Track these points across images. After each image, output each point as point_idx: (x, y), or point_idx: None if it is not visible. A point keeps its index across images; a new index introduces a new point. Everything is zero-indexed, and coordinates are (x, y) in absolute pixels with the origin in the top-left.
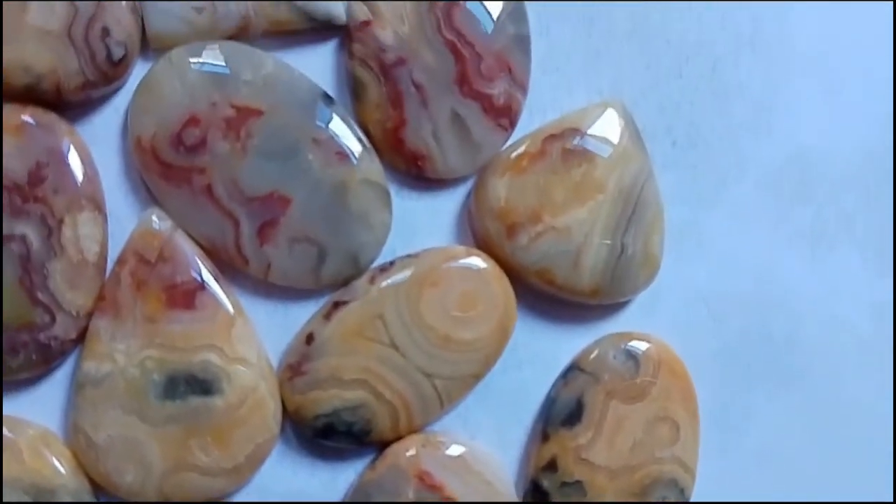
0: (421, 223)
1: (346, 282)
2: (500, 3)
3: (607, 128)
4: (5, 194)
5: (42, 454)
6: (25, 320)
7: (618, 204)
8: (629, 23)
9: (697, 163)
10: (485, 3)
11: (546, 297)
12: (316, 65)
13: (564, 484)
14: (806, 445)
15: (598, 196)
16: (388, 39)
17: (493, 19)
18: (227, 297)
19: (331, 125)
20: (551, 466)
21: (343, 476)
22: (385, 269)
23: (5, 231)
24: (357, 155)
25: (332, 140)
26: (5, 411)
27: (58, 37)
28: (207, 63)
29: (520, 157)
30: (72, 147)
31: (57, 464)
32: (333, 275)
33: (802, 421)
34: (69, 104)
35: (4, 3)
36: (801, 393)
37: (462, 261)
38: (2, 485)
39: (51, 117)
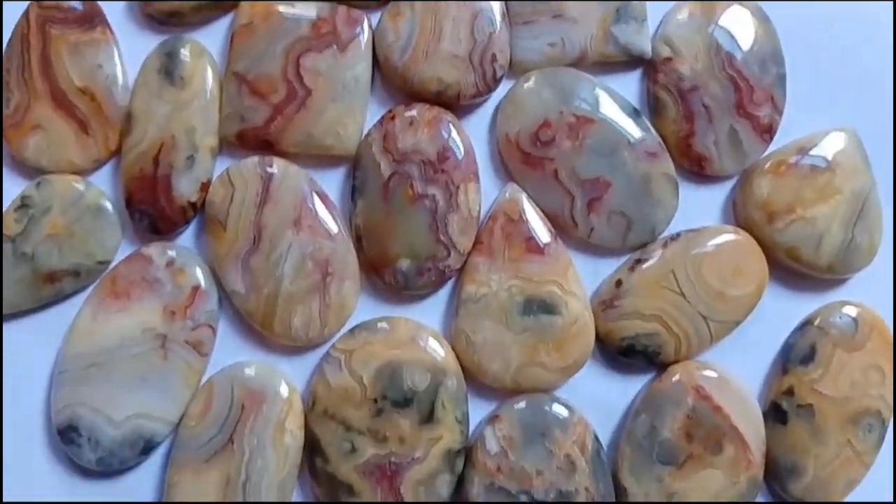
0: (697, 207)
1: (642, 246)
2: (765, 48)
3: (844, 147)
4: (421, 167)
5: (435, 346)
6: (431, 253)
7: (851, 204)
8: (859, 66)
9: None
10: (754, 48)
11: (788, 270)
12: (625, 87)
13: (799, 406)
14: None
15: (837, 196)
16: (685, 72)
17: (760, 63)
18: (564, 250)
19: (640, 132)
20: (789, 392)
21: (632, 385)
22: (674, 238)
23: (422, 191)
24: (657, 154)
25: (641, 143)
26: (408, 315)
27: (462, 59)
28: (562, 83)
29: (779, 163)
30: (463, 138)
31: (444, 353)
32: (636, 240)
33: None
34: (459, 107)
35: (423, 32)
36: None
37: (732, 237)
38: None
39: (451, 116)
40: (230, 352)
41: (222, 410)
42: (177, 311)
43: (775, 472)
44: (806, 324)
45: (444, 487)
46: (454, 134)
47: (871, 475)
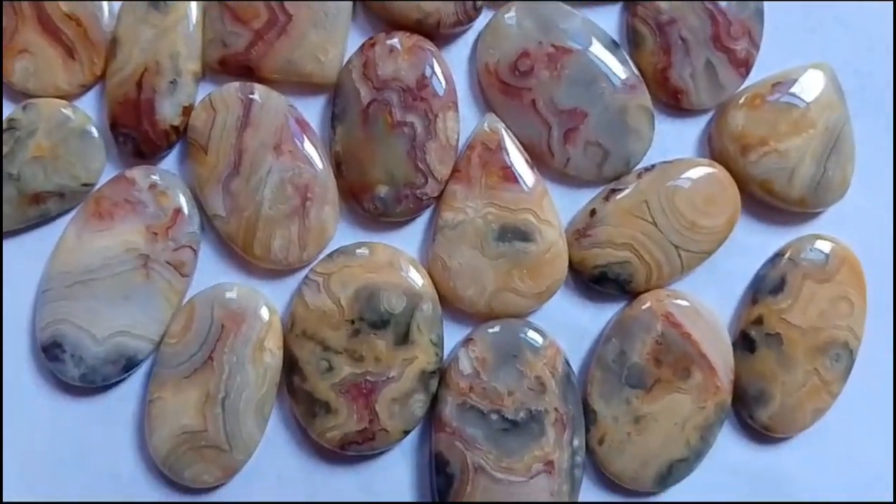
0: (673, 140)
1: (618, 177)
2: None
3: (819, 83)
4: (400, 94)
5: (412, 272)
6: (409, 180)
7: (824, 138)
8: (836, 2)
9: (882, 115)
10: None
11: (762, 203)
12: (605, 19)
13: (767, 335)
14: None
15: (811, 130)
16: (664, 4)
17: None
18: (541, 179)
19: (618, 64)
20: (758, 322)
21: (604, 313)
22: (648, 169)
23: (401, 118)
24: (635, 86)
25: (619, 75)
26: (386, 242)
27: None
28: (542, 14)
29: (754, 96)
30: (443, 66)
31: (420, 278)
32: (611, 171)
33: None
34: (439, 36)
35: None
36: None
37: (706, 170)
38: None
39: (431, 45)
40: (212, 275)
41: (202, 329)
42: (159, 231)
43: (743, 399)
44: (777, 256)
45: (418, 406)
46: (434, 62)
47: (837, 405)
